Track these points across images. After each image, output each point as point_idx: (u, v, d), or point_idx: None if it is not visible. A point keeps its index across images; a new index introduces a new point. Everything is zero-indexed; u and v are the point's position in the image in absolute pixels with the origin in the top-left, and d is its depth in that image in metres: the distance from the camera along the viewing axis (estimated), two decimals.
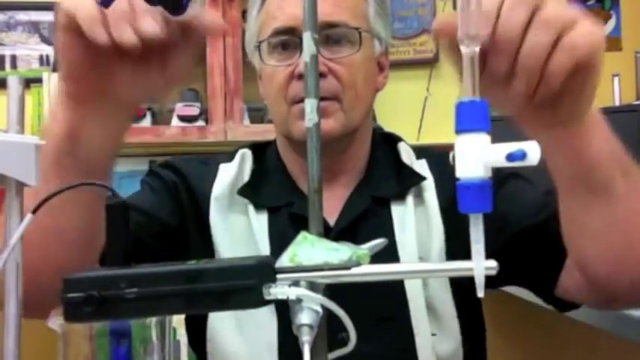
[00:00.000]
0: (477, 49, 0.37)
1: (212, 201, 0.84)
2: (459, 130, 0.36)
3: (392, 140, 0.93)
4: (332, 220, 0.84)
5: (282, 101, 0.82)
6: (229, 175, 0.87)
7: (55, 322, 0.33)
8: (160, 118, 2.32)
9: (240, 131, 2.16)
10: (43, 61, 2.36)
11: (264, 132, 2.17)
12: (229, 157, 0.91)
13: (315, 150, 0.41)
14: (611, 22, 2.57)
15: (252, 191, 0.86)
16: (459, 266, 0.38)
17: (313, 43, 0.42)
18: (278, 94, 0.83)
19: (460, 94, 0.35)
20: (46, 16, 2.36)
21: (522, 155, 0.34)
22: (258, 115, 2.29)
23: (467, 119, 0.36)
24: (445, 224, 0.82)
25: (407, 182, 0.85)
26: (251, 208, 0.84)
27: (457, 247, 0.77)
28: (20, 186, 0.39)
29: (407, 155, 0.89)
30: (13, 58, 2.35)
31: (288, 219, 0.84)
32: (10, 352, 0.37)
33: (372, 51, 0.87)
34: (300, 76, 0.78)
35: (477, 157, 0.36)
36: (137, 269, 0.36)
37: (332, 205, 0.84)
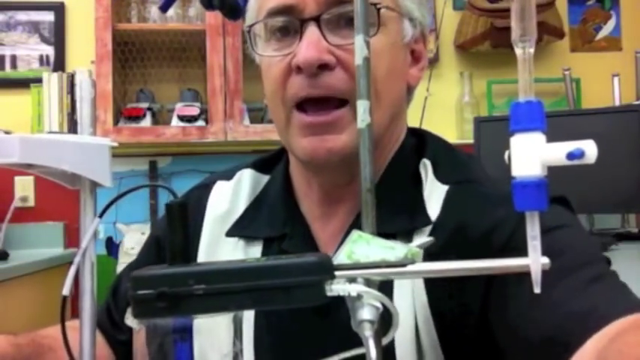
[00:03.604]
0: (532, 50, 0.38)
1: (201, 242, 0.73)
2: (516, 130, 0.37)
3: (419, 147, 0.72)
4: None
5: (280, 103, 0.65)
6: (220, 208, 0.74)
7: (133, 319, 0.34)
8: (160, 118, 2.32)
9: (240, 131, 2.16)
10: (43, 61, 2.35)
11: (264, 132, 2.18)
12: (228, 174, 0.79)
13: (368, 152, 0.42)
14: (611, 22, 2.61)
15: (245, 225, 0.72)
16: (515, 263, 0.39)
17: (365, 46, 0.42)
18: (275, 93, 0.66)
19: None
20: (46, 16, 2.35)
21: (581, 154, 0.35)
22: (258, 115, 2.30)
23: (523, 119, 0.37)
24: (426, 280, 0.61)
25: (418, 222, 0.64)
26: (242, 242, 0.71)
27: (440, 299, 0.60)
28: (94, 186, 0.40)
29: (430, 184, 0.67)
30: (13, 58, 2.34)
31: (278, 254, 0.67)
32: (86, 349, 0.37)
33: (401, 35, 0.67)
34: (299, 69, 0.62)
35: (534, 155, 0.37)
36: (203, 266, 0.37)
37: (330, 238, 0.69)
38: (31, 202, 2.29)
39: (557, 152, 0.36)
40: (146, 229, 2.30)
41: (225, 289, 0.36)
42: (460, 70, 2.52)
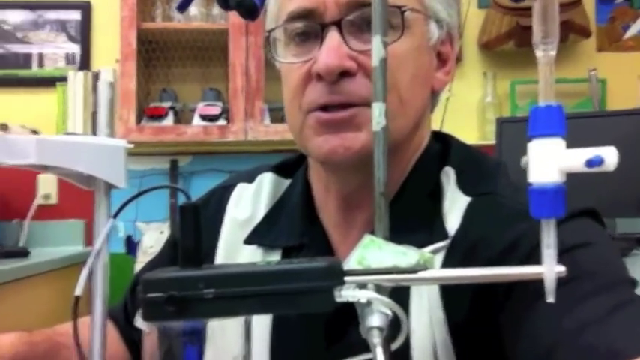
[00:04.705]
0: (554, 53, 0.37)
1: (219, 246, 0.72)
2: (534, 135, 0.36)
3: (443, 153, 0.69)
4: None
5: (297, 110, 0.64)
6: (240, 214, 0.73)
7: (143, 321, 0.34)
8: (182, 118, 2.34)
9: (260, 131, 2.17)
10: (70, 59, 2.38)
11: (285, 132, 2.18)
12: (249, 177, 0.78)
13: (383, 154, 0.42)
14: None
15: (263, 232, 0.71)
16: (528, 271, 0.38)
17: (382, 47, 0.42)
18: (292, 100, 0.64)
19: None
20: (74, 15, 2.38)
21: (600, 162, 0.34)
22: (278, 114, 2.30)
23: (542, 124, 0.36)
24: (443, 296, 0.59)
25: (436, 237, 0.61)
26: (261, 250, 0.70)
27: (457, 315, 0.58)
28: (109, 188, 0.40)
29: (451, 195, 0.64)
30: (40, 56, 2.38)
31: None
32: (97, 350, 0.38)
33: (427, 37, 0.65)
34: (319, 77, 0.60)
35: (552, 161, 0.36)
36: (213, 270, 0.37)
37: (349, 249, 0.64)
38: (54, 200, 2.32)
39: (576, 159, 0.35)
40: (165, 228, 2.32)
41: (234, 294, 0.36)
42: (483, 69, 2.49)
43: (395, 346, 0.40)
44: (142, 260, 2.23)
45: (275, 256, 0.69)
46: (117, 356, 0.74)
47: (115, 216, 0.42)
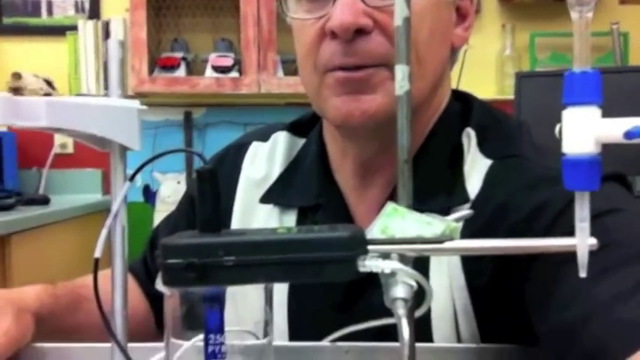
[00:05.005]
0: (590, 14, 0.35)
1: (235, 206, 0.72)
2: (568, 103, 0.35)
3: (463, 113, 0.67)
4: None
5: (312, 69, 0.62)
6: (255, 173, 0.73)
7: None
8: (194, 69, 2.31)
9: (273, 83, 2.14)
10: (79, 7, 2.33)
11: (298, 84, 2.14)
12: (264, 135, 0.77)
13: (406, 120, 0.40)
14: None
15: (279, 192, 0.71)
16: (561, 243, 0.37)
17: (406, 5, 0.40)
18: (306, 58, 0.62)
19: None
20: None
21: None
22: (291, 67, 2.26)
23: (578, 91, 0.34)
24: (464, 261, 0.58)
25: (455, 200, 0.61)
26: (277, 209, 0.70)
27: (478, 279, 0.58)
28: (124, 150, 0.39)
29: (472, 157, 0.63)
30: (49, 4, 2.33)
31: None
32: (118, 311, 0.38)
33: None
34: (334, 35, 0.57)
35: (587, 131, 0.34)
36: (233, 237, 0.36)
37: (366, 211, 0.66)
38: (70, 149, 2.33)
39: (614, 130, 0.33)
40: (182, 179, 2.34)
41: (255, 261, 0.35)
42: (502, 22, 2.42)
43: (418, 313, 0.40)
44: (160, 209, 2.26)
45: (291, 216, 0.69)
46: (138, 311, 0.75)
47: (132, 179, 0.41)
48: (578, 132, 0.34)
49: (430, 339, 0.58)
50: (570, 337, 0.47)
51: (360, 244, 0.37)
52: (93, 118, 0.39)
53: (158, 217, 2.25)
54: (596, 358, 0.45)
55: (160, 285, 0.38)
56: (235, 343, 0.42)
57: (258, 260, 0.35)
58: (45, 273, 1.77)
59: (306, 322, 0.64)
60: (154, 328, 0.76)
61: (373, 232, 0.38)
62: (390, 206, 0.40)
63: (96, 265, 0.41)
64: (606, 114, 0.34)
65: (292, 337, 0.65)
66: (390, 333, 0.39)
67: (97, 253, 0.41)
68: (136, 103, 0.40)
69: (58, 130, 0.39)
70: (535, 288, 0.54)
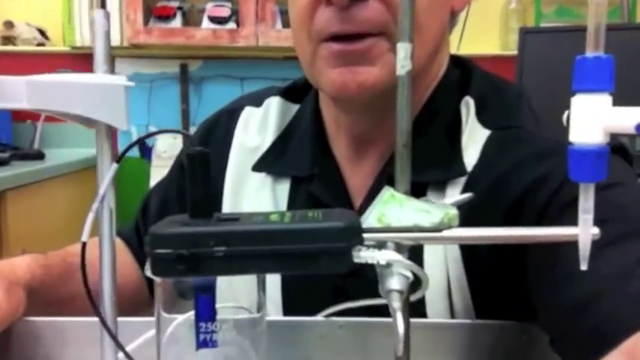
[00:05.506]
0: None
1: (227, 174, 0.70)
2: (578, 89, 0.33)
3: (462, 81, 0.65)
4: (358, 202, 0.65)
5: (306, 38, 0.59)
6: (247, 140, 0.71)
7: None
8: (191, 19, 2.25)
9: (271, 36, 2.08)
10: None
11: None
12: (257, 100, 0.75)
13: (406, 101, 0.38)
14: None
15: (272, 160, 0.69)
16: (561, 232, 0.36)
17: None
18: (300, 26, 0.59)
19: None
20: None
21: None
22: None
23: (589, 77, 0.32)
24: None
25: (453, 172, 0.59)
26: (270, 178, 0.68)
27: (474, 254, 0.57)
28: (110, 129, 0.37)
29: (470, 127, 0.61)
30: None
31: (306, 197, 0.66)
32: (107, 293, 0.37)
33: None
34: (329, 1, 0.55)
35: (596, 121, 0.32)
36: (224, 227, 0.34)
37: (361, 183, 0.65)
38: None
39: (625, 120, 0.31)
40: (177, 134, 2.30)
41: (246, 252, 0.34)
42: None
43: (412, 299, 0.39)
44: (156, 164, 2.24)
45: (284, 185, 0.68)
46: (130, 279, 0.75)
47: (119, 160, 0.39)
48: (586, 121, 0.33)
49: (423, 312, 0.58)
50: (575, 314, 0.47)
51: (355, 235, 0.35)
52: (77, 97, 0.36)
53: (154, 172, 2.23)
54: (607, 336, 0.44)
55: (149, 272, 0.36)
56: (228, 317, 0.42)
57: (250, 251, 0.34)
58: (41, 229, 1.76)
59: (300, 297, 0.64)
60: (147, 296, 0.75)
61: (369, 220, 0.37)
62: (388, 192, 0.38)
63: (83, 250, 0.40)
64: None
65: (286, 311, 0.65)
66: (384, 308, 0.39)
67: (84, 237, 0.40)
68: (122, 79, 0.38)
69: (41, 111, 0.37)
70: (535, 262, 0.53)
